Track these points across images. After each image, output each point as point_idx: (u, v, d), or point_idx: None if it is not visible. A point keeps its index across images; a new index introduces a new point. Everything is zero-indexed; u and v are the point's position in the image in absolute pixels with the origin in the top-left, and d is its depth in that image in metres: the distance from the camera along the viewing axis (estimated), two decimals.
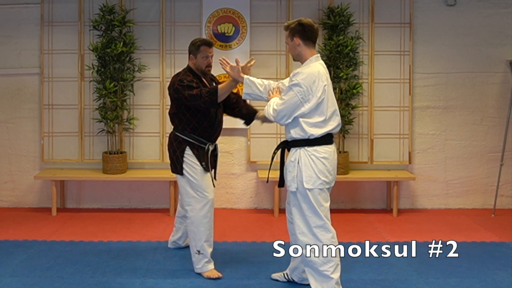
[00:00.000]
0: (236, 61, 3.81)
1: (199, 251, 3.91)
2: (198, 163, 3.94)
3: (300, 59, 3.52)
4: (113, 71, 5.50)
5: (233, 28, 5.72)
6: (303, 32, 3.45)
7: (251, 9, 5.73)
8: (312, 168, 3.40)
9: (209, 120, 3.98)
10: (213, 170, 4.14)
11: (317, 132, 3.41)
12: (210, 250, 3.95)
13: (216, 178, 4.22)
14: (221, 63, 3.86)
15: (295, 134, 3.46)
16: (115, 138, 5.65)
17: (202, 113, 3.95)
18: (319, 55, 3.54)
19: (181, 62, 5.69)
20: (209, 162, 3.99)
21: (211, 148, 4.02)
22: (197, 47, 4.00)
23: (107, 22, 5.44)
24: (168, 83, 5.65)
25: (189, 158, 3.96)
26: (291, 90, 3.38)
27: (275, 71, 5.74)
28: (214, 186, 4.06)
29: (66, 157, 5.79)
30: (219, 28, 5.71)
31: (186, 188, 3.97)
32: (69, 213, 5.62)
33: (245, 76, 3.72)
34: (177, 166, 4.00)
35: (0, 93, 5.82)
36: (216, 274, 3.90)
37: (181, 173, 3.98)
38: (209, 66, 4.04)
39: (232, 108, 4.20)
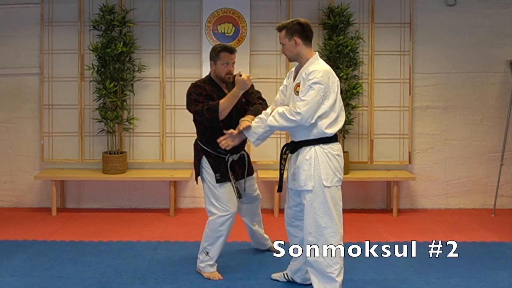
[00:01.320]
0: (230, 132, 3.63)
1: (207, 253, 3.88)
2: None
3: (299, 59, 3.45)
4: (113, 71, 5.50)
5: (233, 28, 5.72)
6: (302, 32, 3.41)
7: (251, 9, 5.72)
8: (329, 165, 3.36)
9: (223, 134, 3.73)
10: (242, 180, 4.01)
11: (333, 130, 3.37)
12: (218, 255, 3.92)
13: (246, 188, 4.06)
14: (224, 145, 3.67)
15: (310, 134, 3.36)
16: (115, 138, 5.65)
17: (214, 126, 3.78)
18: (317, 53, 3.50)
19: (181, 62, 5.71)
20: (228, 172, 3.85)
21: (231, 159, 3.89)
22: (217, 53, 3.83)
23: (107, 22, 5.43)
24: (168, 83, 5.72)
25: (209, 166, 3.88)
26: (312, 89, 3.28)
27: (275, 71, 5.73)
28: (241, 197, 3.95)
29: (66, 157, 5.79)
30: (219, 28, 5.71)
31: (208, 195, 3.89)
32: (69, 213, 5.62)
33: (241, 130, 3.56)
34: (195, 172, 3.99)
35: (0, 93, 5.82)
36: (217, 276, 3.89)
37: (196, 180, 3.97)
38: (229, 73, 3.85)
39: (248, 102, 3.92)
